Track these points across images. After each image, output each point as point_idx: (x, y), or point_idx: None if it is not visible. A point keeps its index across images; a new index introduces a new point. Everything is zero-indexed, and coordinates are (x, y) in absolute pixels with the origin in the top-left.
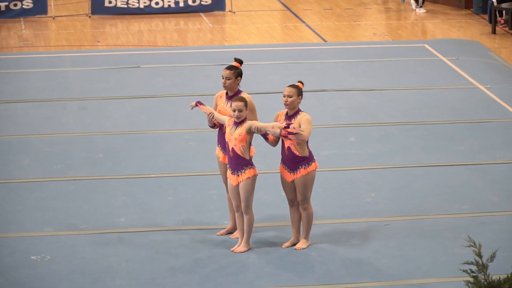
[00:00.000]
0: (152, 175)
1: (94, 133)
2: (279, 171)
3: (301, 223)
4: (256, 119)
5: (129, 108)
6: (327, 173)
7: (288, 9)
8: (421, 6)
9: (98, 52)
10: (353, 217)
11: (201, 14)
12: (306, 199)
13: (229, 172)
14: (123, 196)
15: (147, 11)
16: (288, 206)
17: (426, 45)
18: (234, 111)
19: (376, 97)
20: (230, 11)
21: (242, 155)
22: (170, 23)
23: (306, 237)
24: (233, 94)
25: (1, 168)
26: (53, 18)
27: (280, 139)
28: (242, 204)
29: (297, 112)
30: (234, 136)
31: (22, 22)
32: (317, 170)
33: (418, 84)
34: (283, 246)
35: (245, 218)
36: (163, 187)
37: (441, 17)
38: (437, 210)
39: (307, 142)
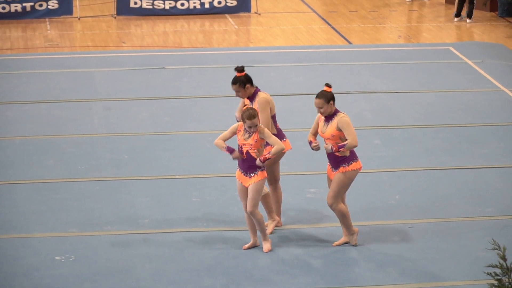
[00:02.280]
0: (177, 176)
1: (118, 134)
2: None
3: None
4: (265, 119)
5: (154, 109)
6: None
7: (314, 11)
8: (463, 17)
9: (123, 53)
10: (377, 219)
11: (227, 15)
12: (334, 197)
13: (239, 173)
14: (147, 197)
15: (173, 12)
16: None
17: (451, 48)
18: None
19: (400, 99)
20: (255, 12)
21: (256, 158)
22: (196, 24)
23: (348, 233)
24: (251, 96)
25: (25, 169)
26: (79, 19)
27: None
28: (250, 204)
29: (335, 113)
30: (249, 142)
31: (48, 23)
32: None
33: (443, 86)
34: (333, 245)
35: (254, 219)
36: (187, 189)
37: (466, 20)
38: (461, 213)
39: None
